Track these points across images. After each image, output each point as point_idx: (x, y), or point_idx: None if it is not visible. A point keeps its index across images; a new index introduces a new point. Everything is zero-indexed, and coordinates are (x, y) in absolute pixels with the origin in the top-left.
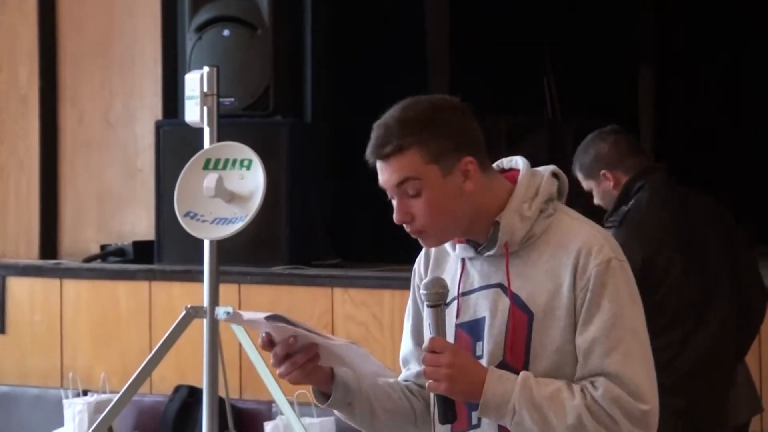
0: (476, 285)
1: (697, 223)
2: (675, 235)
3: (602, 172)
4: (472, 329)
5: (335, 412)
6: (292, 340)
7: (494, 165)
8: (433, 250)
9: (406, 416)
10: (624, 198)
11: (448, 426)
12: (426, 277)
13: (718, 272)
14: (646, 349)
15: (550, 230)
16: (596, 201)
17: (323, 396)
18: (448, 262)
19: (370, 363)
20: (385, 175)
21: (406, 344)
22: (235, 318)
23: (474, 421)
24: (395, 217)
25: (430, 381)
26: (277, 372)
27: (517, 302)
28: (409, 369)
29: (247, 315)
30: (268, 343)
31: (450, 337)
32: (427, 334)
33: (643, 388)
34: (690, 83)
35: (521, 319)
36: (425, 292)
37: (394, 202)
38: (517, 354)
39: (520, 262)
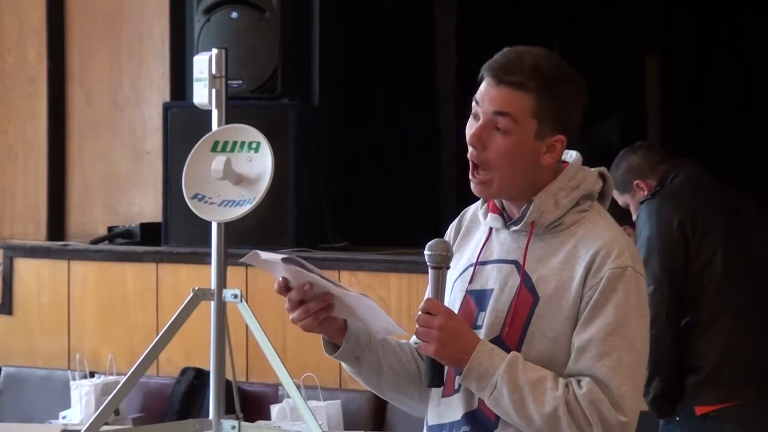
0: (494, 257)
1: (736, 210)
2: (709, 212)
3: (635, 182)
4: (479, 298)
5: (343, 365)
6: (308, 287)
7: None
8: (466, 219)
9: (410, 379)
10: (659, 186)
11: (440, 390)
12: (454, 244)
13: (763, 258)
14: (638, 363)
15: (579, 224)
16: (635, 216)
17: (333, 347)
18: (478, 231)
19: (381, 318)
20: (490, 94)
21: None
22: (252, 258)
23: (456, 386)
24: (470, 137)
25: (421, 342)
26: (291, 317)
27: (526, 283)
28: None
29: (264, 255)
30: (284, 288)
31: (458, 302)
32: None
33: (626, 400)
34: (698, 67)
35: (526, 300)
36: (429, 252)
37: (471, 123)
38: (513, 333)
39: (543, 245)
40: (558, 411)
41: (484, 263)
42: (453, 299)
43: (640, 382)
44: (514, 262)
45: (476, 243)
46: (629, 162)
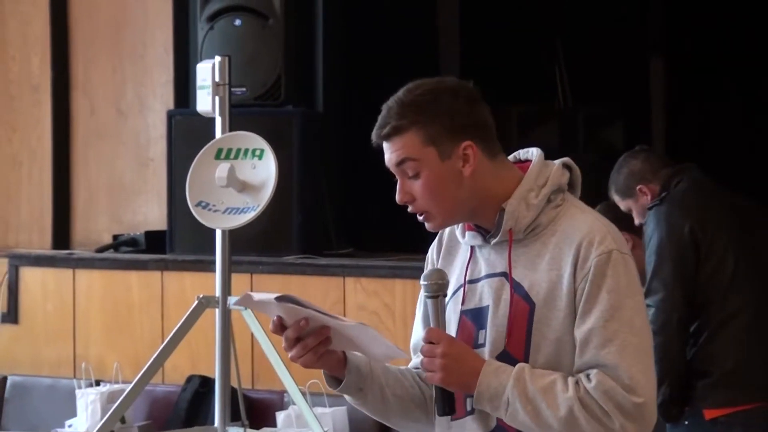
0: (483, 273)
1: (742, 213)
2: (717, 216)
3: (638, 187)
4: (476, 317)
5: (346, 397)
6: (303, 323)
7: (512, 156)
8: (445, 238)
9: (417, 403)
10: (663, 191)
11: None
12: (438, 263)
13: None
14: (643, 342)
15: (557, 221)
16: (637, 221)
17: (335, 381)
18: (460, 249)
19: (381, 344)
20: (387, 154)
21: (417, 332)
22: (245, 301)
23: (469, 407)
24: (397, 197)
25: (427, 372)
26: (289, 356)
27: (518, 292)
28: (419, 356)
29: (257, 296)
30: (279, 327)
31: (454, 324)
32: (421, 327)
33: (638, 381)
34: (702, 69)
35: (522, 309)
36: (425, 282)
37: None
38: (517, 344)
39: (526, 251)
40: (574, 411)
41: (473, 281)
42: (447, 321)
43: (648, 360)
44: (503, 274)
45: (461, 263)
46: (630, 167)
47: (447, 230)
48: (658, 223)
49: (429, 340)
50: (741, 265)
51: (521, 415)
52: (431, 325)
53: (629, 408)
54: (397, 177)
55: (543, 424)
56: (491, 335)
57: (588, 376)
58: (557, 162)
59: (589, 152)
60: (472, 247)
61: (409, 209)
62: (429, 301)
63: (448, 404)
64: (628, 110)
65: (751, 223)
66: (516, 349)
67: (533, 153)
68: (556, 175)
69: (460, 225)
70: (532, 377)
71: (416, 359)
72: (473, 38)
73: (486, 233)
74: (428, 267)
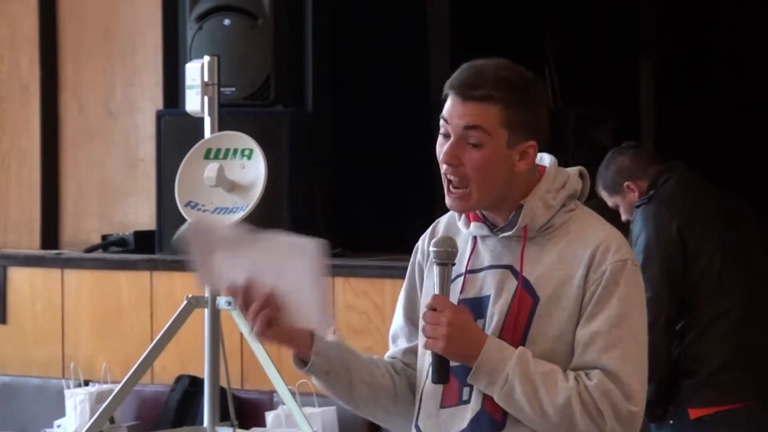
0: (485, 264)
1: (731, 213)
2: (706, 216)
3: (626, 184)
4: (474, 306)
5: (313, 380)
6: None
7: None
8: (440, 229)
9: (386, 394)
10: (651, 189)
11: (437, 401)
12: (428, 254)
13: (760, 261)
14: (643, 354)
15: (568, 224)
16: (624, 217)
17: (302, 362)
18: (458, 241)
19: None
20: (458, 111)
21: (398, 320)
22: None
23: (465, 397)
24: (444, 155)
25: (428, 339)
26: (254, 331)
27: (525, 285)
28: (397, 345)
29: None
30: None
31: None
32: (402, 316)
33: (636, 391)
34: (692, 69)
35: (526, 302)
36: (435, 249)
37: (441, 141)
38: (515, 335)
39: (535, 248)
40: (571, 401)
41: (474, 271)
42: None
43: (645, 374)
44: (509, 267)
45: (460, 252)
46: (618, 163)
47: (442, 222)
48: (646, 221)
49: (433, 307)
50: (729, 265)
51: (517, 394)
52: (436, 292)
53: (624, 414)
54: (453, 135)
55: (537, 408)
56: (490, 325)
57: (588, 374)
58: (573, 169)
59: (579, 153)
60: (474, 238)
61: (447, 170)
62: (437, 268)
63: (444, 373)
64: (618, 111)
65: (740, 222)
66: (513, 341)
67: (545, 159)
68: (573, 181)
69: (463, 216)
70: (534, 360)
71: (394, 348)
72: (463, 38)
73: (492, 226)
74: (417, 257)
